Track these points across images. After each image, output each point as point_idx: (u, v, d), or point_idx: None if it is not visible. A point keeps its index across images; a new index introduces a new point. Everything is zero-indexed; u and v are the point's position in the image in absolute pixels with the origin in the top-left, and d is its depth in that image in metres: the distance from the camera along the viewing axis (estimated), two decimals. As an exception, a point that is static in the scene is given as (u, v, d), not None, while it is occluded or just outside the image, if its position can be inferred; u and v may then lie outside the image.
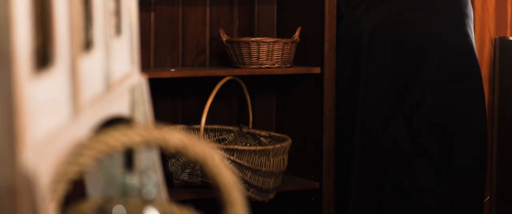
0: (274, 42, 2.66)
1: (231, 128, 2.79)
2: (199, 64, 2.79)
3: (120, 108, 1.20)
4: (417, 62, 2.64)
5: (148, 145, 0.98)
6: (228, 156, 2.50)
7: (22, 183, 0.73)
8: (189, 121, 2.75)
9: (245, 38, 2.71)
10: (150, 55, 2.74)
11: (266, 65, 2.66)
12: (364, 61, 2.66)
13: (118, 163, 1.30)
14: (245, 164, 2.54)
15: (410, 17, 2.70)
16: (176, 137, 0.99)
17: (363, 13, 2.69)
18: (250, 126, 2.78)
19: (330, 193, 2.70)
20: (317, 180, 2.72)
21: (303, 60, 2.75)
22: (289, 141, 2.65)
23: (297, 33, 2.71)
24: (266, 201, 2.62)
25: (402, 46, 2.65)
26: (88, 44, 1.03)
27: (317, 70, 2.69)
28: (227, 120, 2.82)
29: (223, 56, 2.77)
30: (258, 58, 2.66)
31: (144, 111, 1.29)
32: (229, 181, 0.99)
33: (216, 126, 2.76)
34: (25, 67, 0.74)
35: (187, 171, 2.58)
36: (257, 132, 2.77)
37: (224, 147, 2.53)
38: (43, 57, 0.84)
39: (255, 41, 2.66)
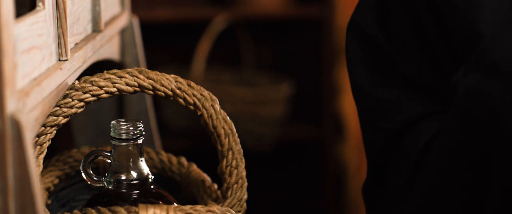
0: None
1: (227, 71, 2.80)
2: (194, 3, 2.79)
3: (110, 51, 1.21)
4: None
5: (139, 90, 1.00)
6: (224, 101, 2.51)
7: (8, 128, 0.75)
8: (183, 63, 2.75)
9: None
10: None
11: (264, 4, 2.66)
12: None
13: (108, 109, 1.32)
14: (243, 110, 2.55)
15: None
16: (169, 82, 1.00)
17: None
18: (248, 69, 2.79)
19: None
20: (318, 127, 2.73)
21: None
22: (290, 85, 2.65)
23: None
24: (266, 152, 2.63)
25: None
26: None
27: (315, 11, 2.68)
28: (224, 63, 2.83)
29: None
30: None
31: (135, 54, 1.31)
32: (225, 129, 1.01)
33: (212, 69, 2.77)
34: (10, 10, 0.75)
35: (182, 118, 2.59)
36: (255, 75, 2.77)
37: (220, 92, 2.54)
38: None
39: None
